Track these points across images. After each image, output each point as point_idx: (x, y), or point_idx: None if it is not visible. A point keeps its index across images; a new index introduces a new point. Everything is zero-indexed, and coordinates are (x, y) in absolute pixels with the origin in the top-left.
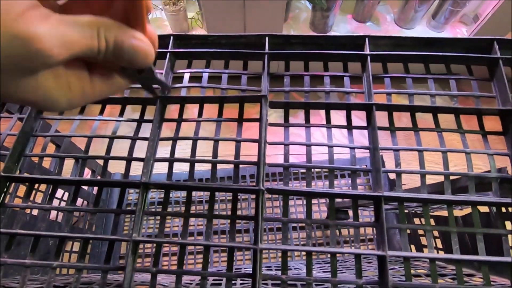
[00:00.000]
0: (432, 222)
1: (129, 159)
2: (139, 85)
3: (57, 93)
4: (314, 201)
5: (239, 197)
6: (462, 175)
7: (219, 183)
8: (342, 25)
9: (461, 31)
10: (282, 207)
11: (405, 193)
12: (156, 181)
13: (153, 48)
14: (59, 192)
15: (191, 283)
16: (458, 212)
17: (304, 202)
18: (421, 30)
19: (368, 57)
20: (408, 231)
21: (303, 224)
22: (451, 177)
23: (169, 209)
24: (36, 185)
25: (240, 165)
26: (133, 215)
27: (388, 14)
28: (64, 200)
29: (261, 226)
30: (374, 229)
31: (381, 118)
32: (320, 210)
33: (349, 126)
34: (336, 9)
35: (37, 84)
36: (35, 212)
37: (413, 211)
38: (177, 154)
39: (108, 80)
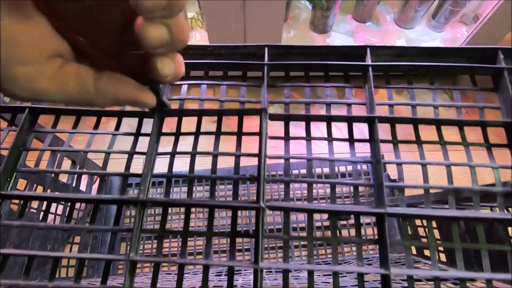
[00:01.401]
0: (433, 224)
1: (125, 175)
2: None
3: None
4: (314, 198)
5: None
6: (466, 189)
7: (219, 200)
8: (342, 25)
9: (461, 31)
10: (283, 224)
11: (409, 208)
12: (154, 199)
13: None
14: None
15: None
16: None
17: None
18: (421, 30)
19: (370, 68)
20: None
21: (303, 225)
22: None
23: (169, 210)
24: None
25: (240, 164)
26: (132, 219)
27: (388, 14)
28: (62, 204)
29: (261, 244)
30: (374, 227)
31: (383, 125)
32: None
33: (351, 139)
34: (336, 9)
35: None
36: (34, 205)
37: None
38: (178, 151)
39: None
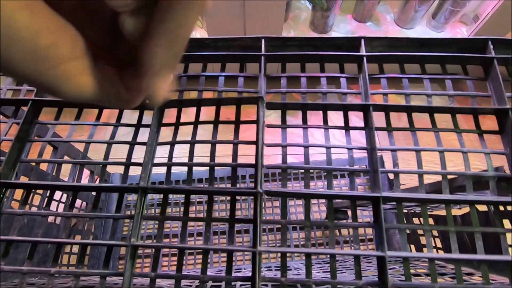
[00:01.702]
0: (431, 221)
1: (127, 164)
2: None
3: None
4: (314, 201)
5: (238, 197)
6: (459, 174)
7: (218, 187)
8: (342, 25)
9: (461, 31)
10: (281, 209)
11: (403, 193)
12: (155, 186)
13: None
14: (57, 193)
15: (190, 285)
16: (457, 212)
17: (304, 202)
18: (421, 30)
19: (364, 58)
20: (408, 231)
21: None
22: (449, 176)
23: (169, 209)
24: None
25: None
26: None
27: (388, 14)
28: (62, 202)
29: (259, 228)
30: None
31: (380, 118)
32: (320, 210)
33: (347, 127)
34: (336, 9)
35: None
36: (35, 202)
37: (412, 211)
38: (176, 154)
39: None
